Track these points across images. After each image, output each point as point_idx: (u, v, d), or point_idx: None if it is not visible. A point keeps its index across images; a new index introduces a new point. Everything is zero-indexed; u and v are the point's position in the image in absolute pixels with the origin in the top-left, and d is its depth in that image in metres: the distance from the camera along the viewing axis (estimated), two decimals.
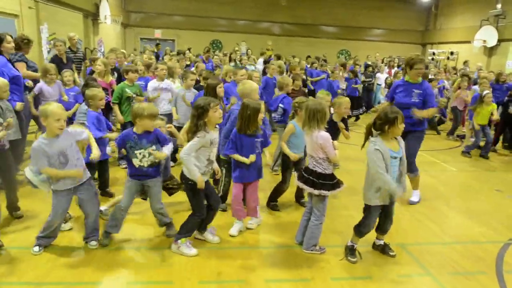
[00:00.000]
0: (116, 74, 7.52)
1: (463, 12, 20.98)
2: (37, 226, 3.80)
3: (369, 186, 3.56)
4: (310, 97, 5.94)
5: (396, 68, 14.40)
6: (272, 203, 4.85)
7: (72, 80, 6.39)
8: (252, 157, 3.93)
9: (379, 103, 13.23)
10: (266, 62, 13.41)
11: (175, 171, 5.17)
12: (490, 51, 18.55)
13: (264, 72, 12.03)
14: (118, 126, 6.39)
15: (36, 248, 3.58)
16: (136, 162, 3.72)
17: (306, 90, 9.22)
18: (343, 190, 3.83)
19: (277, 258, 3.76)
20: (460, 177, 6.85)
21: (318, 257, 3.77)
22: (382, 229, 3.84)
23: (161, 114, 6.01)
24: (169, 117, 6.19)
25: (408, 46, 23.35)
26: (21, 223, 4.15)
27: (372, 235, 3.88)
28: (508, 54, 17.55)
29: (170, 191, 4.52)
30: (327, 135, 3.61)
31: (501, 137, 8.92)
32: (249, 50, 17.20)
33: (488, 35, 18.04)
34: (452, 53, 20.50)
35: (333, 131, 4.91)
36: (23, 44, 6.10)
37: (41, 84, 5.88)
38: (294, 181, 4.00)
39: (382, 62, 16.20)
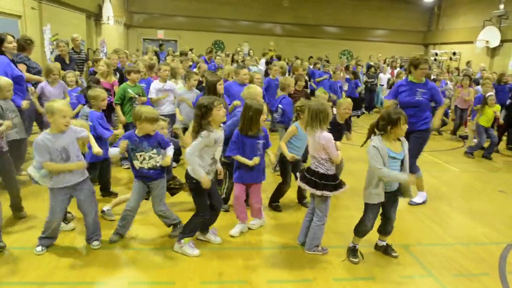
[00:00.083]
0: (118, 75, 7.54)
1: (466, 13, 20.94)
2: (39, 226, 3.81)
3: (367, 184, 3.58)
4: (313, 98, 5.95)
5: (398, 69, 14.38)
6: (274, 203, 4.85)
7: (75, 81, 6.40)
8: (256, 159, 3.93)
9: (381, 104, 13.22)
10: (268, 63, 13.41)
11: (177, 171, 5.20)
12: (492, 52, 18.51)
13: (266, 73, 12.04)
14: (120, 126, 6.40)
15: (39, 248, 3.59)
16: (136, 164, 3.73)
17: (309, 91, 9.21)
18: (346, 191, 3.83)
19: (279, 259, 3.75)
20: (463, 177, 6.84)
21: (320, 258, 3.76)
22: (383, 231, 3.84)
23: (164, 115, 6.04)
24: (171, 118, 6.20)
25: (410, 46, 23.31)
26: (24, 223, 4.16)
27: (374, 236, 3.88)
28: (511, 55, 17.50)
29: (172, 191, 4.52)
30: (329, 135, 3.60)
31: (504, 138, 8.90)
32: (251, 51, 17.21)
33: (491, 35, 17.99)
34: (454, 53, 20.46)
35: (337, 132, 4.91)
36: (26, 44, 6.12)
37: (44, 84, 5.89)
38: (296, 181, 4.00)
39: (384, 62, 16.19)
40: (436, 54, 21.46)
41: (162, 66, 6.51)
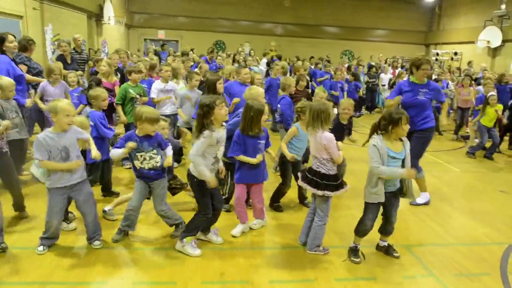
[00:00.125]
0: (119, 75, 7.55)
1: (467, 13, 20.92)
2: (41, 226, 3.80)
3: (367, 183, 3.59)
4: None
5: (399, 69, 14.37)
6: (275, 204, 4.86)
7: (76, 81, 6.42)
8: (260, 156, 3.93)
9: (382, 104, 13.21)
10: (269, 63, 13.42)
11: (178, 171, 5.20)
12: (494, 52, 18.49)
13: (267, 73, 12.05)
14: (122, 126, 6.40)
15: (41, 248, 3.60)
16: (137, 164, 3.75)
17: (310, 91, 9.21)
18: (347, 191, 3.83)
19: (281, 259, 3.76)
20: (464, 177, 6.83)
21: (322, 258, 3.76)
22: (384, 231, 3.85)
23: (165, 115, 6.05)
24: (173, 118, 6.21)
25: (411, 46, 23.33)
26: (26, 223, 4.17)
27: (376, 236, 3.88)
28: None
29: (173, 191, 4.54)
30: (331, 135, 3.61)
31: (506, 138, 8.89)
32: (252, 51, 17.22)
33: (492, 35, 17.97)
34: (455, 53, 20.44)
35: (339, 132, 4.91)
36: (28, 45, 6.14)
37: (45, 83, 5.91)
38: (298, 181, 4.00)
39: (386, 62, 16.18)
40: (437, 54, 21.44)
41: (163, 67, 6.51)
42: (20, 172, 5.13)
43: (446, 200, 5.53)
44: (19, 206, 4.25)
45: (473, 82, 10.83)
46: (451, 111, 11.30)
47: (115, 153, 3.71)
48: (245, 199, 4.22)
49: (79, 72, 7.36)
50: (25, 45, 6.08)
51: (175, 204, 4.61)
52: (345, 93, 10.55)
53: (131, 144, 3.65)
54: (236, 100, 5.26)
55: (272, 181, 5.53)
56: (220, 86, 4.86)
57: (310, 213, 3.96)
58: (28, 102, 5.18)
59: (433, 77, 11.48)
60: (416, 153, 5.06)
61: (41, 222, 3.83)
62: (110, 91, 6.17)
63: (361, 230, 3.70)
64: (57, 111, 3.38)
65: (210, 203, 3.69)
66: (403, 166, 3.56)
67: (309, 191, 3.83)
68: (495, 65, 18.05)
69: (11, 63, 5.39)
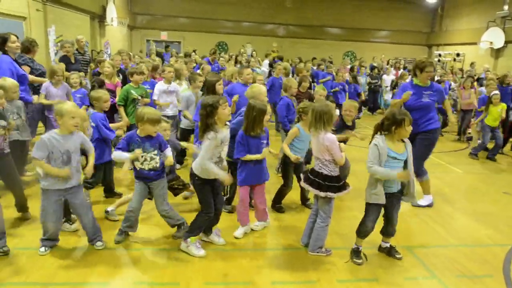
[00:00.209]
0: (121, 76, 7.57)
1: (469, 14, 20.88)
2: None
3: (368, 184, 3.60)
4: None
5: (402, 70, 14.36)
6: (277, 205, 4.85)
7: (79, 82, 6.44)
8: (266, 150, 3.94)
9: (385, 105, 13.19)
10: (271, 64, 13.43)
11: (180, 172, 5.21)
12: (497, 53, 18.43)
13: (269, 74, 12.06)
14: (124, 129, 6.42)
15: (42, 249, 3.61)
16: (137, 164, 3.75)
17: (312, 92, 9.22)
18: (349, 192, 3.82)
19: (283, 260, 3.75)
20: (466, 179, 6.82)
21: (324, 259, 3.76)
22: (385, 233, 3.84)
23: (167, 117, 6.05)
24: (174, 119, 6.22)
25: (414, 47, 23.29)
26: (28, 224, 4.18)
27: (378, 237, 3.88)
28: None
29: (175, 191, 4.56)
30: (333, 137, 3.61)
31: (510, 140, 8.86)
32: (254, 52, 17.24)
33: (495, 36, 17.91)
34: (458, 54, 20.40)
35: (341, 133, 4.91)
36: (31, 46, 6.16)
37: (48, 84, 5.93)
38: (300, 182, 4.00)
39: (388, 63, 16.17)
40: (440, 55, 21.41)
41: (166, 68, 6.53)
42: (22, 173, 5.14)
43: (448, 202, 5.52)
44: (21, 207, 4.26)
45: (475, 83, 10.80)
46: (454, 112, 11.27)
47: (118, 155, 3.69)
48: (249, 201, 4.22)
49: (81, 73, 7.38)
50: (28, 47, 6.11)
51: (177, 205, 4.62)
52: (347, 93, 10.52)
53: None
54: (235, 97, 5.24)
55: (273, 182, 5.52)
56: (219, 87, 4.83)
57: (312, 214, 3.96)
58: (35, 98, 5.23)
59: (436, 78, 11.46)
60: (421, 155, 5.06)
61: None
62: (112, 92, 6.19)
63: (362, 231, 3.70)
64: (63, 114, 3.39)
65: (212, 202, 3.69)
66: (405, 167, 3.56)
67: (312, 192, 3.83)
68: (498, 66, 17.99)
69: (13, 63, 5.42)
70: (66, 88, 6.08)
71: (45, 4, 12.03)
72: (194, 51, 15.85)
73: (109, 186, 5.00)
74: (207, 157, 3.49)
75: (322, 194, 3.65)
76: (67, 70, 7.06)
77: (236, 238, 4.08)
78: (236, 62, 13.41)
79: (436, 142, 5.20)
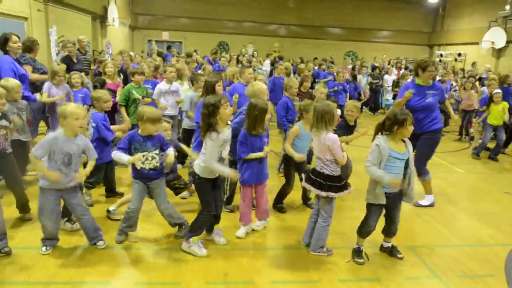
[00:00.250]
0: (122, 76, 7.58)
1: (471, 14, 20.84)
2: None
3: (369, 184, 3.59)
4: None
5: (403, 70, 14.34)
6: (278, 205, 4.85)
7: (80, 82, 6.44)
8: (267, 149, 3.93)
9: (386, 106, 13.17)
10: (273, 63, 13.43)
11: (181, 172, 5.20)
12: (498, 53, 18.39)
13: (271, 73, 12.06)
14: (126, 130, 6.41)
15: (44, 248, 3.62)
16: (138, 164, 3.72)
17: (312, 91, 9.23)
18: (351, 192, 3.82)
19: (284, 260, 3.75)
20: (468, 179, 6.81)
21: (325, 259, 3.76)
22: (387, 232, 3.84)
23: (168, 116, 6.04)
24: (174, 119, 6.21)
25: (415, 47, 23.26)
26: (30, 223, 4.18)
27: (379, 237, 3.88)
28: None
29: (177, 190, 4.57)
30: (335, 137, 3.60)
31: None
32: (255, 52, 17.24)
33: (497, 36, 17.86)
34: (459, 54, 20.35)
35: (347, 133, 4.90)
36: (33, 45, 6.17)
37: (49, 85, 5.94)
38: (301, 182, 3.99)
39: (389, 63, 16.15)
40: (441, 55, 21.37)
41: (168, 68, 6.52)
42: (24, 173, 5.15)
43: (450, 201, 5.51)
44: (22, 207, 4.26)
45: (477, 83, 10.78)
46: (456, 112, 11.25)
47: (118, 156, 3.67)
48: (252, 200, 4.21)
49: (82, 73, 7.40)
50: (30, 46, 6.12)
51: (177, 205, 4.62)
52: (347, 94, 10.51)
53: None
54: (235, 96, 5.21)
55: (275, 182, 5.53)
56: (219, 88, 4.76)
57: (313, 214, 3.95)
58: (38, 96, 5.26)
59: (437, 78, 11.44)
60: (425, 155, 5.06)
61: None
62: (114, 92, 6.20)
63: (364, 231, 3.69)
64: (66, 115, 3.40)
65: (213, 201, 3.69)
66: (406, 167, 3.55)
67: (313, 192, 3.82)
68: (500, 66, 17.95)
69: (14, 63, 5.43)
70: (67, 88, 6.09)
71: (46, 4, 12.05)
72: (195, 51, 15.85)
73: (111, 186, 5.00)
74: (214, 158, 3.50)
75: (324, 194, 3.64)
76: (70, 70, 7.07)
77: (239, 238, 4.08)
78: (237, 62, 13.41)
79: (439, 142, 5.19)
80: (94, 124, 4.53)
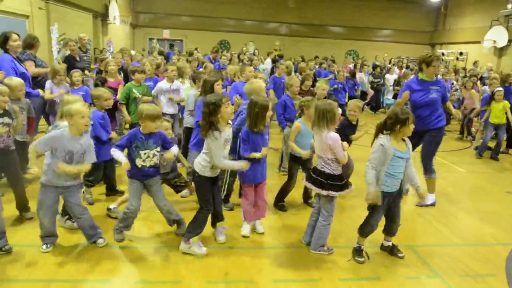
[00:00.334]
0: (122, 74, 7.59)
1: (473, 13, 20.81)
2: None
3: None
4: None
5: (404, 69, 14.32)
6: (280, 203, 4.84)
7: (81, 80, 6.44)
8: (265, 149, 3.89)
9: (387, 105, 13.14)
10: (274, 61, 13.41)
11: (182, 171, 5.20)
12: (500, 52, 18.37)
13: (272, 72, 12.05)
14: (127, 126, 6.42)
15: (44, 246, 3.62)
16: (139, 162, 3.72)
17: (313, 89, 9.23)
18: (351, 191, 3.81)
19: (285, 259, 3.75)
20: (470, 178, 6.80)
21: (326, 258, 3.75)
22: (388, 231, 3.83)
23: (169, 115, 6.04)
24: (174, 118, 6.21)
25: (416, 46, 23.22)
26: (31, 222, 4.18)
27: (380, 236, 3.87)
28: None
29: (177, 188, 4.58)
30: (336, 135, 3.59)
31: None
32: (256, 50, 17.23)
33: (498, 35, 17.85)
34: (461, 53, 20.33)
35: (350, 132, 4.89)
36: (34, 42, 6.18)
37: (51, 84, 5.94)
38: (302, 181, 3.99)
39: (390, 62, 16.13)
40: (443, 54, 21.34)
41: (169, 67, 6.53)
42: (25, 171, 5.15)
43: (451, 201, 5.50)
44: (22, 206, 4.25)
45: (478, 82, 10.74)
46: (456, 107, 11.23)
47: (115, 154, 3.65)
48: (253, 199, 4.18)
49: (86, 72, 7.41)
50: (31, 43, 6.13)
51: (177, 203, 4.63)
52: (347, 93, 10.48)
53: (125, 164, 3.58)
54: (238, 98, 5.21)
55: (275, 181, 5.53)
56: (218, 87, 4.73)
57: (314, 213, 3.95)
58: (41, 92, 5.27)
59: (438, 77, 11.42)
60: (431, 153, 5.08)
61: None
62: (115, 90, 6.20)
63: (366, 231, 3.68)
64: (72, 114, 3.40)
65: (211, 199, 3.69)
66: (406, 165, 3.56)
67: (314, 191, 3.82)
68: (501, 65, 17.93)
69: (14, 61, 5.44)
70: (67, 88, 6.09)
71: (47, 2, 12.06)
72: (196, 49, 15.85)
73: (111, 184, 5.00)
74: (221, 156, 3.51)
75: (324, 192, 3.64)
76: (73, 68, 7.07)
77: (245, 237, 4.06)
78: (239, 60, 13.39)
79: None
80: (91, 122, 4.51)
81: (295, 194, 4.99)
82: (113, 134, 4.64)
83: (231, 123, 3.73)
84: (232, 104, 5.15)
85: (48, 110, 6.11)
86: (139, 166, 3.72)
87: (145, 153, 3.71)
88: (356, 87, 11.46)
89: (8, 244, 3.56)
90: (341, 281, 3.41)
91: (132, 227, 3.97)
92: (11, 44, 5.44)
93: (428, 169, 5.14)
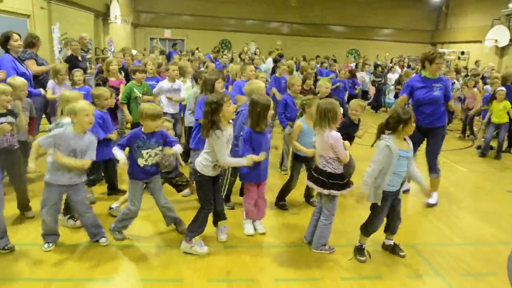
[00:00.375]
0: (123, 73, 7.59)
1: (474, 12, 20.77)
2: None
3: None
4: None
5: (406, 68, 14.30)
6: (281, 202, 4.84)
7: (82, 80, 6.45)
8: (262, 155, 3.84)
9: (388, 104, 13.13)
10: (276, 61, 13.41)
11: (182, 170, 5.21)
12: (501, 51, 18.34)
13: (273, 71, 12.05)
14: (129, 125, 6.43)
15: (46, 245, 3.63)
16: (141, 161, 3.72)
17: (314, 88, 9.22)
18: (353, 190, 3.81)
19: (286, 258, 3.75)
20: (471, 177, 6.79)
21: (327, 257, 3.76)
22: (391, 230, 3.83)
23: (170, 115, 6.04)
24: (175, 117, 6.21)
25: (418, 45, 23.19)
26: (32, 220, 4.19)
27: (381, 235, 3.87)
28: None
29: (179, 187, 4.59)
30: (338, 135, 3.59)
31: None
32: (257, 50, 17.22)
33: (500, 34, 17.81)
34: (462, 52, 20.29)
35: (352, 132, 4.88)
36: (35, 41, 6.19)
37: (53, 84, 5.95)
38: (303, 180, 3.99)
39: (391, 62, 16.11)
40: (444, 53, 21.30)
41: (170, 66, 6.53)
42: (27, 169, 5.16)
43: (453, 200, 5.50)
44: (23, 206, 4.26)
45: (479, 81, 10.72)
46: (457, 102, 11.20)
47: (115, 152, 3.65)
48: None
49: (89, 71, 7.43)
50: (32, 42, 6.14)
51: (178, 203, 4.64)
52: (347, 92, 10.47)
53: (122, 164, 3.59)
54: (241, 99, 5.22)
55: (276, 180, 5.53)
56: (218, 86, 4.71)
57: (316, 212, 3.95)
58: (42, 91, 5.28)
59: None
60: (437, 151, 5.07)
61: None
62: (117, 89, 6.21)
63: (370, 230, 3.68)
64: (76, 112, 3.42)
65: (212, 198, 3.69)
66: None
67: (315, 190, 3.82)
68: (503, 64, 17.90)
69: (15, 61, 5.44)
70: (68, 87, 6.09)
71: (49, 2, 12.07)
72: (197, 48, 15.86)
73: (113, 183, 5.01)
74: (224, 154, 3.51)
75: (326, 192, 3.64)
76: (75, 67, 7.08)
77: (249, 235, 4.07)
78: (240, 60, 13.39)
79: None
80: None
81: (296, 193, 4.99)
82: (110, 135, 4.59)
83: (232, 122, 3.73)
84: (234, 103, 5.18)
85: (49, 111, 6.12)
86: (141, 165, 3.72)
87: (147, 153, 3.71)
88: (355, 86, 11.45)
89: (10, 243, 3.58)
90: (342, 280, 3.41)
91: (134, 226, 3.98)
92: (12, 44, 5.45)
93: (434, 169, 5.13)
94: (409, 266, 3.69)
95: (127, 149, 3.73)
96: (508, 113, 7.76)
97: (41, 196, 3.56)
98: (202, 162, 3.59)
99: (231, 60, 11.84)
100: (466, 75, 13.24)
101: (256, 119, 3.81)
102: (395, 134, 3.48)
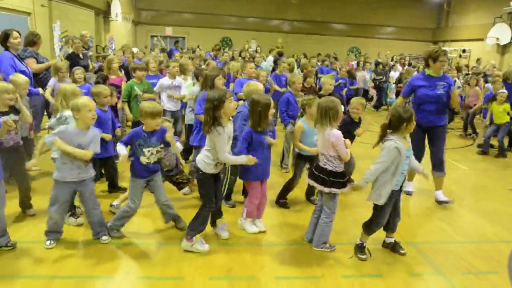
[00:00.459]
0: (123, 72, 7.59)
1: (476, 10, 20.72)
2: None
3: (377, 185, 3.55)
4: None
5: (407, 66, 14.27)
6: (282, 200, 4.84)
7: (83, 77, 6.44)
8: (253, 159, 3.74)
9: (389, 102, 13.10)
10: (275, 61, 13.40)
11: (183, 168, 5.21)
12: (503, 49, 18.30)
13: (274, 70, 12.03)
14: (130, 123, 6.43)
15: (48, 242, 3.63)
16: (143, 159, 3.73)
17: (318, 88, 9.21)
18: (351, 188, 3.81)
19: (287, 256, 3.75)
20: (472, 176, 6.79)
21: (328, 255, 3.76)
22: (391, 228, 3.82)
23: (170, 112, 6.03)
24: (175, 114, 6.21)
25: (419, 44, 23.14)
26: (35, 218, 4.20)
27: (381, 233, 3.87)
28: None
29: (179, 185, 4.59)
30: (339, 133, 3.59)
31: None
32: (258, 48, 17.20)
33: (501, 32, 17.77)
34: (464, 50, 20.26)
35: (353, 130, 4.88)
36: (36, 39, 6.18)
37: (54, 81, 5.96)
38: (305, 178, 3.99)
39: (392, 60, 16.08)
40: (446, 52, 21.25)
41: (171, 63, 6.53)
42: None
43: (454, 198, 5.47)
44: (26, 203, 4.26)
45: (481, 79, 10.70)
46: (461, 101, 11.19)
47: (118, 148, 3.68)
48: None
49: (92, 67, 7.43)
50: (33, 40, 6.14)
51: (178, 200, 4.64)
52: (345, 90, 10.44)
53: (123, 158, 3.60)
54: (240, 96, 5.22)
55: (277, 178, 5.53)
56: (219, 82, 4.68)
57: (316, 210, 3.95)
58: (41, 91, 5.28)
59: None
60: (443, 148, 5.05)
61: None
62: (118, 87, 6.21)
63: (375, 229, 3.68)
64: (79, 108, 3.44)
65: (213, 196, 3.69)
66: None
67: (316, 188, 3.82)
68: (504, 62, 17.87)
69: (14, 59, 5.43)
70: None
71: None
72: (198, 46, 15.84)
73: (113, 181, 5.01)
74: (225, 151, 3.51)
75: (327, 190, 3.64)
76: (77, 65, 7.08)
77: (253, 233, 4.07)
78: (241, 58, 13.38)
79: None
80: None
81: (297, 191, 4.99)
82: (106, 135, 4.53)
83: (232, 119, 3.73)
84: (235, 100, 5.18)
85: (51, 110, 6.11)
86: (144, 163, 3.73)
87: (148, 151, 3.72)
88: (353, 85, 11.44)
89: (11, 240, 3.58)
90: (343, 278, 3.41)
91: (134, 223, 3.99)
92: (12, 41, 5.44)
93: (441, 168, 5.11)
94: (410, 264, 3.69)
95: (128, 147, 3.74)
96: (508, 113, 7.74)
97: (42, 194, 3.57)
98: (204, 160, 3.59)
99: (232, 58, 11.83)
100: (467, 73, 13.21)
101: (257, 119, 3.80)
102: (398, 133, 3.47)
